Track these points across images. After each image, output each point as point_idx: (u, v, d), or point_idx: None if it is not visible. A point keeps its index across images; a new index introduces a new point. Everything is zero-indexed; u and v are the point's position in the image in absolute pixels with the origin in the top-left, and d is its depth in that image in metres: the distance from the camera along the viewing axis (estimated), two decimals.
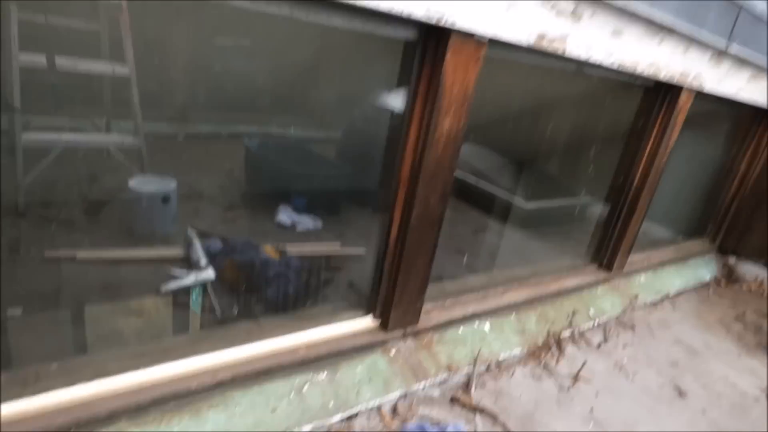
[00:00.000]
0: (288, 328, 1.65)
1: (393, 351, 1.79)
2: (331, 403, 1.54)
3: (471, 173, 4.15)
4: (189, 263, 2.35)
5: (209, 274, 2.22)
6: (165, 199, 2.63)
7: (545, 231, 3.86)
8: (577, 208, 4.31)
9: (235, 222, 3.14)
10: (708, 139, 3.63)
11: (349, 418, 1.56)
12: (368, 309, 1.80)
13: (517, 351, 2.11)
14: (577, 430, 1.79)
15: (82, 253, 2.26)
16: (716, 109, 3.09)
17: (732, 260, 3.84)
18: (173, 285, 2.10)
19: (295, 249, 2.64)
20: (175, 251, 2.47)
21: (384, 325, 1.78)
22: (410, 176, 1.55)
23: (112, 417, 1.24)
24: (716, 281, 3.58)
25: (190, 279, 2.17)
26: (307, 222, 3.20)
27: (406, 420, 1.63)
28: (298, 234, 3.12)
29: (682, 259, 3.50)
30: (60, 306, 1.91)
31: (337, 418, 1.52)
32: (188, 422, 1.31)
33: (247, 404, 1.42)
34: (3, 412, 1.11)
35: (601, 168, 4.02)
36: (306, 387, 1.54)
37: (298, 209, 3.29)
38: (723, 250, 3.89)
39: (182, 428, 1.30)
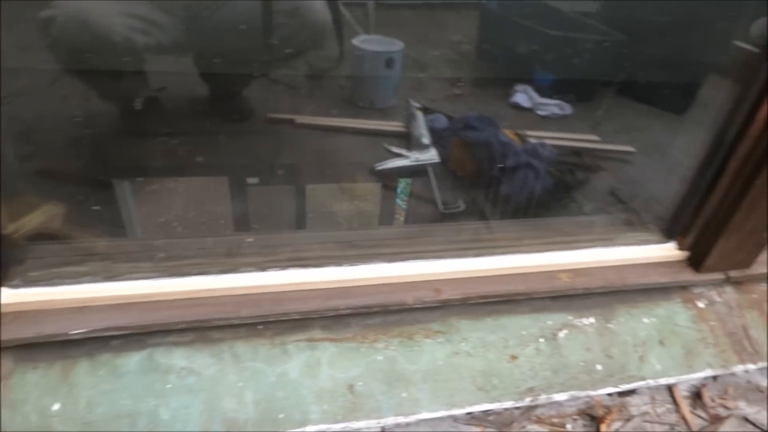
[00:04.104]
0: (540, 240, 1.13)
1: (701, 303, 1.13)
2: (599, 366, 1.00)
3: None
4: (409, 141, 1.96)
5: (432, 154, 1.80)
6: (389, 61, 2.22)
7: None
8: None
9: (462, 99, 2.62)
10: None
11: (623, 393, 1.02)
12: (672, 232, 1.15)
13: None
14: None
15: (301, 118, 2.05)
16: None
17: None
18: (389, 165, 1.74)
19: (533, 137, 2.03)
20: (396, 125, 2.10)
21: (695, 261, 1.11)
22: None
23: (305, 320, 0.92)
24: None
25: (409, 159, 1.78)
26: (551, 106, 2.50)
27: (719, 418, 1.01)
28: (539, 120, 2.46)
29: None
30: (272, 173, 1.72)
31: (605, 389, 0.99)
32: (397, 348, 0.94)
33: (476, 342, 0.98)
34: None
35: None
36: (563, 333, 1.02)
37: (542, 89, 2.59)
38: None
39: (388, 354, 0.93)
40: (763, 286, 1.21)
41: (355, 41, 2.28)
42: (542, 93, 2.57)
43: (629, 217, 1.33)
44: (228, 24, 1.60)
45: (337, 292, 0.93)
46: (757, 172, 0.95)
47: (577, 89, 2.68)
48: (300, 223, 1.29)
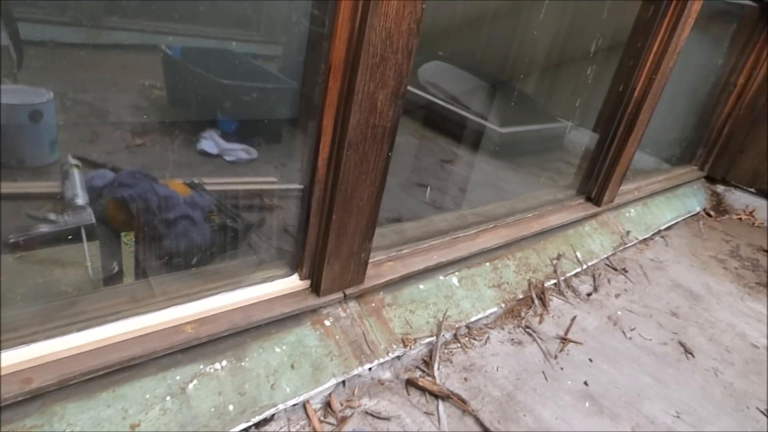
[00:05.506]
0: (166, 296, 1.13)
1: (328, 321, 1.30)
2: (231, 406, 1.05)
3: (437, 95, 3.57)
4: (63, 202, 1.76)
5: (85, 216, 1.65)
6: (34, 115, 1.97)
7: (523, 161, 3.39)
8: (560, 133, 3.84)
9: (145, 150, 2.50)
10: (702, 48, 3.13)
11: (259, 424, 1.09)
12: (293, 265, 1.29)
13: (493, 309, 1.66)
14: (571, 413, 1.38)
15: None
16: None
17: (720, 188, 3.50)
18: (27, 235, 1.52)
19: (213, 184, 2.07)
20: (50, 185, 1.86)
21: (315, 287, 1.27)
22: (346, 60, 0.99)
23: None
24: (705, 212, 3.24)
25: (55, 224, 1.60)
26: (237, 151, 2.60)
27: (344, 419, 1.17)
28: (227, 166, 2.53)
29: (671, 189, 3.11)
30: None
31: (237, 427, 1.04)
32: None
33: (86, 423, 0.91)
34: None
35: (588, 87, 3.52)
36: (193, 384, 1.04)
37: (227, 135, 2.67)
38: (712, 178, 3.52)
39: None
40: (381, 295, 1.46)
41: None
42: (229, 138, 2.65)
43: (283, 253, 1.45)
44: None
45: None
46: (330, 211, 1.15)
47: (264, 133, 2.86)
48: None
